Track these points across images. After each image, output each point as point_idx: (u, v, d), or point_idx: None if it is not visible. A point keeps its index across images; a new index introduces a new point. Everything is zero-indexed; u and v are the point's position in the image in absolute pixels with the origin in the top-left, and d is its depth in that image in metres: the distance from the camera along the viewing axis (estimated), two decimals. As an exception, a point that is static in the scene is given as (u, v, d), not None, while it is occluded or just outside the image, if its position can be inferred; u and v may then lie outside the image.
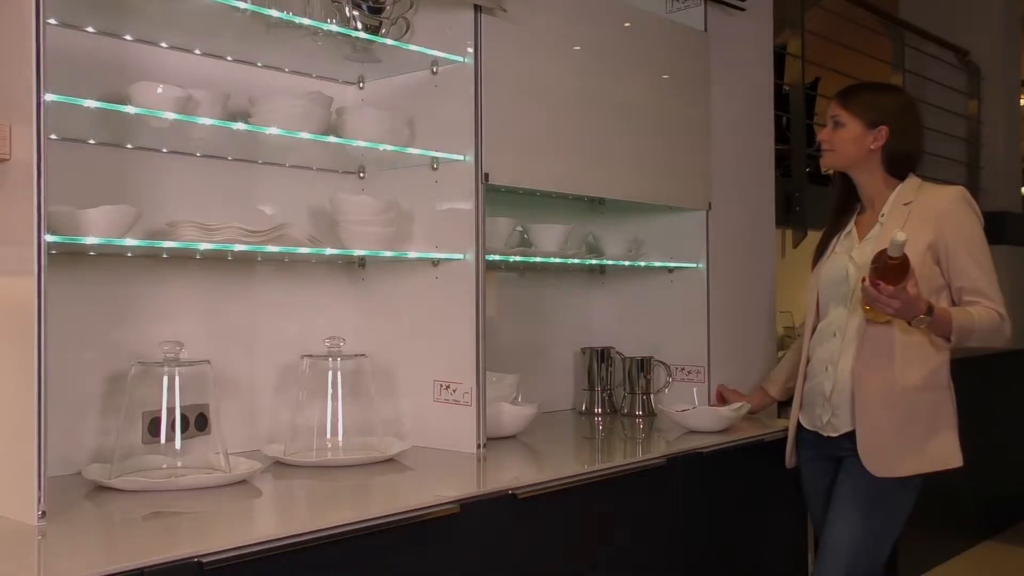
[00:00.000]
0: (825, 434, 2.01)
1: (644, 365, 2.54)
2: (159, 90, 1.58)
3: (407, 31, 1.92)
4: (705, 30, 2.53)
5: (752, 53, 2.70)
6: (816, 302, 2.08)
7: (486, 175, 1.91)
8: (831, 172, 2.15)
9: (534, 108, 2.06)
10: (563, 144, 2.12)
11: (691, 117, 2.48)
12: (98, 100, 1.50)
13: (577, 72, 2.16)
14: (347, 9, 1.84)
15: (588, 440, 2.22)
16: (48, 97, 1.35)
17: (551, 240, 2.28)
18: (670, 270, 2.57)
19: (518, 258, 2.20)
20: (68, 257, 1.69)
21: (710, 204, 2.51)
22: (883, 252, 1.78)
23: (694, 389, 2.53)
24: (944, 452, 1.94)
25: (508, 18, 1.97)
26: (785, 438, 2.13)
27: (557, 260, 2.31)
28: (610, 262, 2.49)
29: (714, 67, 2.54)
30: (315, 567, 1.35)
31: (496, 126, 1.94)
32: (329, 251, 1.82)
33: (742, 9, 2.58)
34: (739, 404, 2.26)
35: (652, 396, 2.54)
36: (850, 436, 1.94)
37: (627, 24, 2.31)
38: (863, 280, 1.83)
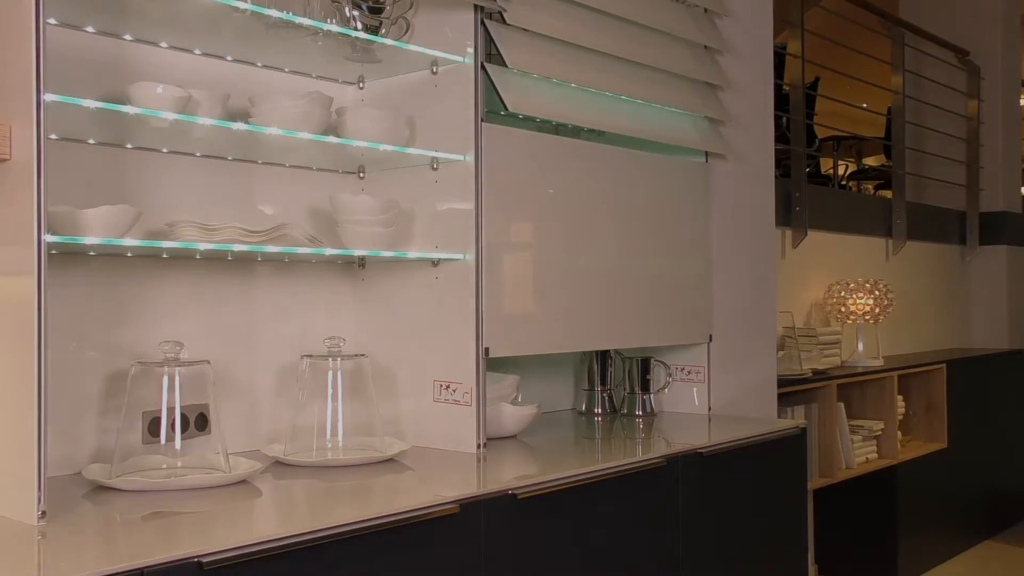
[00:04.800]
0: None
1: (644, 365, 2.54)
2: (159, 90, 1.58)
3: (407, 31, 1.92)
4: (706, 160, 2.52)
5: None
6: None
7: (486, 349, 1.92)
8: None
9: (534, 272, 2.06)
10: (563, 306, 2.12)
11: (692, 252, 2.48)
12: (98, 100, 1.50)
13: (575, 227, 2.16)
14: (347, 9, 1.84)
15: (588, 440, 2.21)
16: (48, 97, 1.35)
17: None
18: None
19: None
20: (68, 257, 1.69)
21: (711, 336, 2.51)
22: None
23: (694, 389, 2.53)
24: None
25: (498, 176, 1.96)
26: (785, 437, 2.13)
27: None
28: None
29: (713, 193, 2.55)
30: (315, 567, 1.35)
31: (494, 306, 1.94)
32: (329, 251, 1.82)
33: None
34: None
35: (652, 396, 2.55)
36: None
37: (626, 163, 2.29)
38: None
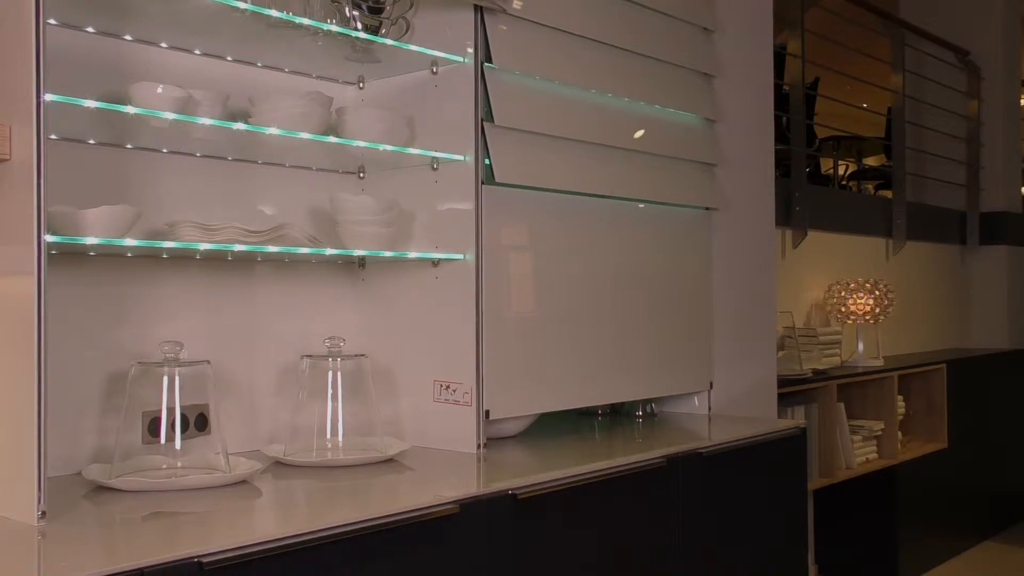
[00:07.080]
0: None
1: (644, 365, 2.54)
2: (159, 90, 1.58)
3: (407, 31, 1.92)
4: (707, 210, 2.52)
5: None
6: None
7: (487, 411, 1.92)
8: None
9: (534, 332, 2.06)
10: (563, 365, 2.12)
11: (693, 300, 2.48)
12: (98, 100, 1.50)
13: (574, 279, 2.16)
14: (347, 9, 1.84)
15: (588, 440, 2.21)
16: (48, 97, 1.35)
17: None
18: (670, 271, 2.56)
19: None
20: (68, 257, 1.69)
21: (711, 383, 2.51)
22: None
23: (694, 389, 2.53)
24: None
25: (500, 220, 1.96)
26: (785, 438, 2.13)
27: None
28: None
29: (715, 239, 2.55)
30: (315, 567, 1.35)
31: (497, 361, 1.95)
32: (329, 251, 1.82)
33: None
34: None
35: (652, 396, 2.55)
36: None
37: (624, 216, 2.29)
38: None
